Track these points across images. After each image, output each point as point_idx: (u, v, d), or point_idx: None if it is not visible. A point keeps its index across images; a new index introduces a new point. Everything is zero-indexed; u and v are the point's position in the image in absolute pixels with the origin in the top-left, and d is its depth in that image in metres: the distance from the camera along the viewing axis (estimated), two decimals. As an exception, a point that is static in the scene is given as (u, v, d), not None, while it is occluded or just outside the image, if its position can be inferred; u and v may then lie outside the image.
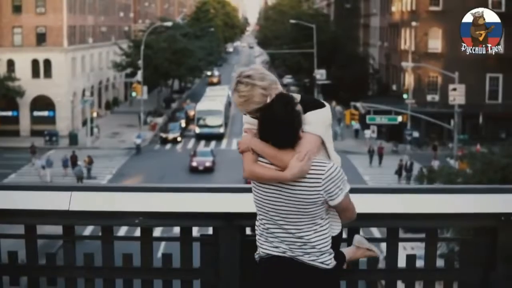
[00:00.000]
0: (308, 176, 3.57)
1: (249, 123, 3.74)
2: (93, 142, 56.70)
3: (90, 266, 4.35)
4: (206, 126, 59.47)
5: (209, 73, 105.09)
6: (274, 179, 3.61)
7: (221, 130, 60.03)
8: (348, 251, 3.99)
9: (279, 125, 3.52)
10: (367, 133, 54.34)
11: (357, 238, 4.09)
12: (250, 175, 3.67)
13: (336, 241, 3.76)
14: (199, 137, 59.50)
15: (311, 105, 3.68)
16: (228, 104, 67.28)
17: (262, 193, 3.68)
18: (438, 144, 51.50)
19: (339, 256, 3.80)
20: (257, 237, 3.78)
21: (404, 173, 44.58)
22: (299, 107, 3.57)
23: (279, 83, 3.70)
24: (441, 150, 51.28)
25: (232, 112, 69.98)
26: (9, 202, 4.24)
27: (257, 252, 3.80)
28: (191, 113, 66.21)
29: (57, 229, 4.36)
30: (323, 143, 3.71)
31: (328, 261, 3.68)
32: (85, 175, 44.72)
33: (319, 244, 3.66)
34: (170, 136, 58.78)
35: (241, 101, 3.63)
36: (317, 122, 3.64)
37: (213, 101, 63.72)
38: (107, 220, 4.30)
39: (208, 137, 58.89)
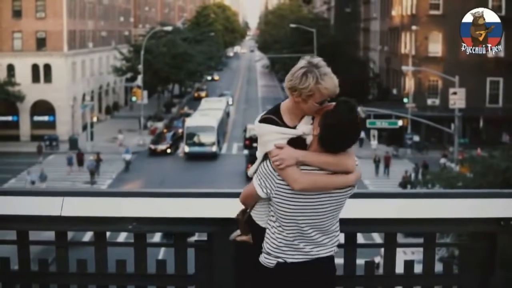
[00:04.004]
0: None
1: (280, 137, 3.50)
2: (116, 147, 56.43)
3: (83, 272, 4.28)
4: (196, 144, 52.97)
5: (209, 77, 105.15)
6: (341, 185, 3.51)
7: (214, 148, 53.16)
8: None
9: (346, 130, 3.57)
10: (373, 144, 53.86)
11: None
12: (310, 186, 3.44)
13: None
14: (189, 157, 52.83)
15: None
16: (226, 117, 63.31)
17: (308, 202, 3.49)
18: (446, 153, 50.42)
19: None
20: (278, 247, 3.57)
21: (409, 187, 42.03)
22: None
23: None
24: (441, 154, 50.98)
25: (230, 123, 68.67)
26: (0, 207, 4.17)
27: (270, 260, 3.60)
28: None
29: (53, 235, 4.29)
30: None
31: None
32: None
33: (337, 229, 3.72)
34: (159, 148, 54.65)
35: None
36: None
37: (205, 116, 57.04)
38: (100, 226, 4.22)
39: (199, 157, 52.03)
